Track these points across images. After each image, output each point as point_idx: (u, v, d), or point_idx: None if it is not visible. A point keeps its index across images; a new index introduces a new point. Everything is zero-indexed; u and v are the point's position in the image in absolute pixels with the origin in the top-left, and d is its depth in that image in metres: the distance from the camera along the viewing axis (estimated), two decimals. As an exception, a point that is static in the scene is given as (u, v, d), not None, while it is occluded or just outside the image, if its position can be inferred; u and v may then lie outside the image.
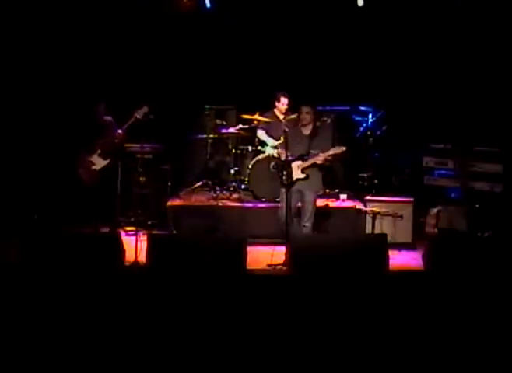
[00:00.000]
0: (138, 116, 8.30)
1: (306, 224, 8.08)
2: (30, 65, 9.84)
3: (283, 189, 8.08)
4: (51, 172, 9.74)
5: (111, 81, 9.90)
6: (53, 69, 9.93)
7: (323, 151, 8.02)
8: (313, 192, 8.16)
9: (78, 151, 8.40)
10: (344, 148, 8.05)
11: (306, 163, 8.06)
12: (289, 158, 8.07)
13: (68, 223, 9.07)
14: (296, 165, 8.06)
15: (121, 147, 8.65)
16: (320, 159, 8.04)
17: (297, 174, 8.05)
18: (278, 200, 9.18)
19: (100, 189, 8.34)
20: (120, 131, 8.36)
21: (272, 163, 9.28)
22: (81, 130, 8.45)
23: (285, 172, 8.01)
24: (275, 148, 8.92)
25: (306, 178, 8.05)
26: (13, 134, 9.70)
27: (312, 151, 8.07)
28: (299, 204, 8.17)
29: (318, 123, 8.43)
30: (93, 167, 8.31)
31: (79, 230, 8.61)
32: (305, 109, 8.11)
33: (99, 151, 8.32)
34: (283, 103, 9.35)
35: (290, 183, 8.02)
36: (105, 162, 8.35)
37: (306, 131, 8.17)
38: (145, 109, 8.31)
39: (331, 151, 8.04)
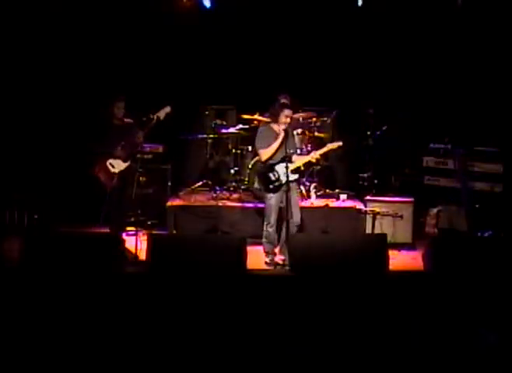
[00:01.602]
0: (160, 118, 8.10)
1: (300, 222, 8.01)
2: (36, 68, 9.88)
3: (271, 195, 7.96)
4: (59, 172, 9.79)
5: (111, 82, 9.91)
6: (60, 69, 9.97)
7: (295, 151, 8.08)
8: (297, 189, 8.23)
9: (96, 152, 8.14)
10: (340, 143, 8.12)
11: (298, 163, 8.04)
12: (271, 161, 8.01)
13: (71, 223, 9.12)
14: (284, 167, 7.86)
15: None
16: (314, 157, 8.08)
17: (289, 176, 7.88)
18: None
19: (117, 192, 8.14)
20: (141, 133, 8.10)
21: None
22: (98, 131, 8.17)
23: (274, 176, 7.96)
24: None
25: (297, 179, 8.10)
26: (22, 133, 9.72)
27: (290, 151, 7.95)
28: (282, 205, 7.96)
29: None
30: (113, 170, 8.09)
31: (81, 230, 8.63)
32: (289, 112, 7.91)
33: (119, 154, 8.11)
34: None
35: (280, 186, 7.93)
36: (124, 165, 8.14)
37: (281, 132, 7.94)
38: (167, 109, 8.13)
39: (328, 147, 8.10)
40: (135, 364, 5.67)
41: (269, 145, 7.92)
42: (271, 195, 7.97)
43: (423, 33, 10.04)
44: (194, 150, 10.61)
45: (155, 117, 8.08)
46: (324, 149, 8.18)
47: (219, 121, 10.09)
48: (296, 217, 7.93)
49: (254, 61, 10.42)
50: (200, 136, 10.12)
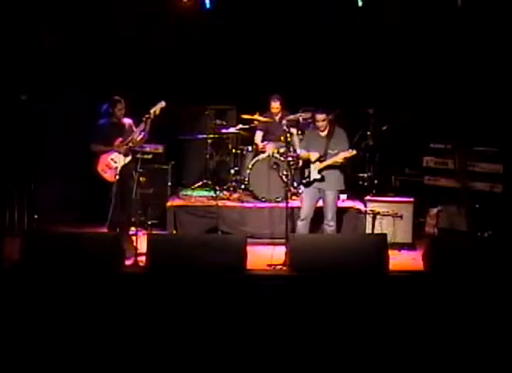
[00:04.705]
0: (156, 112, 8.15)
1: (331, 223, 8.15)
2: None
3: (303, 188, 8.23)
4: (60, 172, 9.79)
5: (111, 81, 9.90)
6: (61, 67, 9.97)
7: (342, 151, 8.11)
8: (333, 191, 8.22)
9: (98, 151, 8.23)
10: (354, 152, 8.15)
11: (323, 164, 8.13)
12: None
13: (71, 223, 9.12)
14: (313, 167, 8.15)
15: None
16: (338, 160, 8.12)
17: (314, 175, 8.15)
18: (278, 199, 9.20)
19: (119, 189, 8.16)
20: (143, 133, 8.17)
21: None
22: (99, 131, 8.26)
23: (307, 172, 8.18)
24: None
25: (322, 179, 8.13)
26: (23, 132, 9.70)
27: (330, 152, 8.13)
28: (321, 204, 8.23)
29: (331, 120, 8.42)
30: (115, 165, 8.17)
31: (81, 230, 8.61)
32: (320, 117, 8.12)
33: (119, 149, 8.17)
34: (273, 107, 9.54)
35: (308, 183, 8.16)
36: (125, 160, 8.19)
37: (323, 133, 8.21)
38: (162, 103, 8.20)
39: (342, 155, 8.10)
40: (134, 364, 5.67)
41: (308, 146, 8.19)
42: (303, 188, 8.19)
43: (423, 33, 10.04)
44: (194, 150, 10.63)
45: (151, 112, 8.14)
46: (339, 156, 8.16)
47: (218, 121, 10.10)
48: (327, 217, 8.12)
49: (254, 61, 10.43)
50: (200, 136, 10.13)
